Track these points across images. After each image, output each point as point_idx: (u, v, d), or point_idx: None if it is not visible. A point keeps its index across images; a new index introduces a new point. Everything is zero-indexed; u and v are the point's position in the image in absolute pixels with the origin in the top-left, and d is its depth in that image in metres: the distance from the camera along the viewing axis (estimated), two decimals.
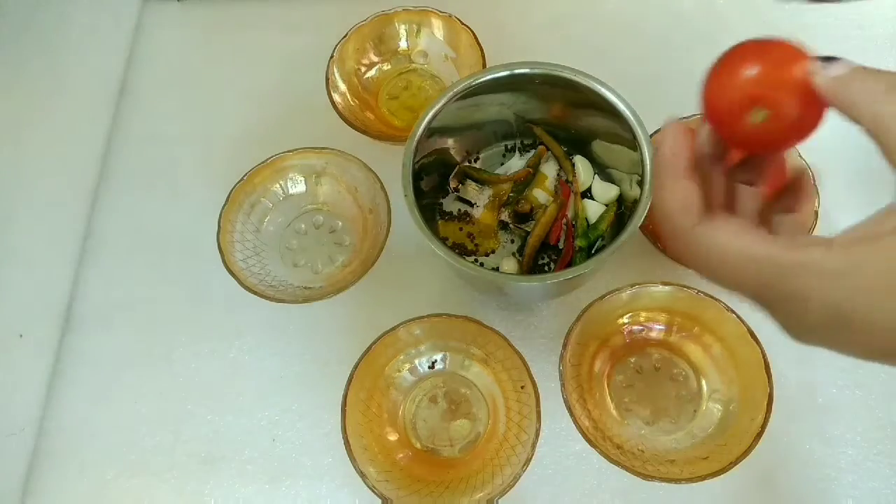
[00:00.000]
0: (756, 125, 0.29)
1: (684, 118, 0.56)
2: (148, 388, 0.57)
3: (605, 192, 0.57)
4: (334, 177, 0.60)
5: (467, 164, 0.60)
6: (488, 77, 0.51)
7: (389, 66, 0.66)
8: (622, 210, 0.56)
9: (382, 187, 0.55)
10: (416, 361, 0.54)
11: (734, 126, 0.30)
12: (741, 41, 0.30)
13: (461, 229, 0.58)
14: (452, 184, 0.59)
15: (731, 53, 0.30)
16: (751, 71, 0.29)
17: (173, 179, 0.65)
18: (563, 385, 0.48)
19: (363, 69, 0.64)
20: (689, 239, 0.30)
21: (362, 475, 0.47)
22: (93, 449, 0.56)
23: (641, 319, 0.54)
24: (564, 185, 0.57)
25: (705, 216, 0.30)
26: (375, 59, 0.65)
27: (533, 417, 0.48)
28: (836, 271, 0.26)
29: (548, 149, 0.58)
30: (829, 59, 0.28)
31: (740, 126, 0.30)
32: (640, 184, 0.49)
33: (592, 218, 0.56)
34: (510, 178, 0.58)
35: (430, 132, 0.51)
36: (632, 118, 0.49)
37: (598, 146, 0.57)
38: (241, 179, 0.57)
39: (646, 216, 0.47)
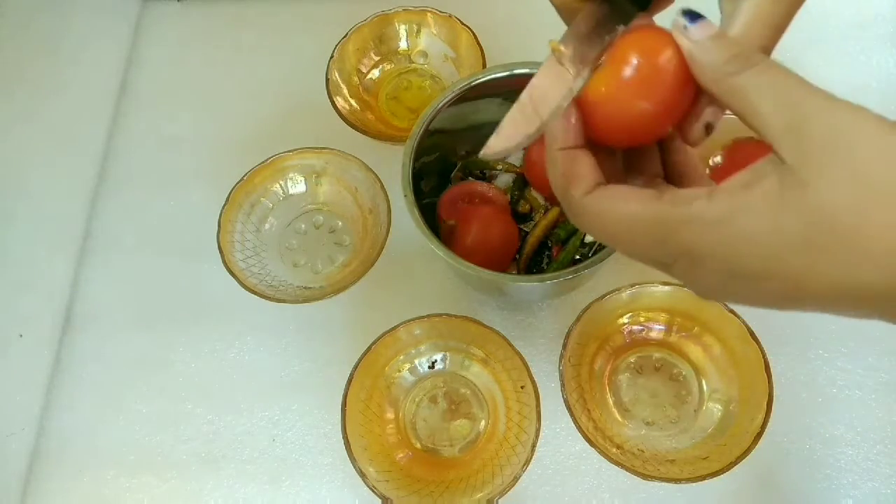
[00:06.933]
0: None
1: None
2: (148, 388, 0.57)
3: None
4: (334, 177, 0.60)
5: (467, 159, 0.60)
6: (488, 77, 0.51)
7: (389, 66, 0.66)
8: None
9: (382, 187, 0.55)
10: (416, 361, 0.54)
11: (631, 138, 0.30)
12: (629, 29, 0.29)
13: None
14: (454, 182, 0.59)
15: (614, 52, 0.28)
16: (635, 75, 0.27)
17: (173, 179, 0.65)
18: (563, 385, 0.48)
19: (363, 69, 0.64)
20: (578, 210, 0.28)
21: (362, 475, 0.47)
22: (93, 449, 0.56)
23: (641, 319, 0.54)
24: None
25: (595, 186, 0.28)
26: (376, 59, 0.65)
27: (533, 417, 0.48)
28: (717, 220, 0.25)
29: None
30: (693, 17, 0.26)
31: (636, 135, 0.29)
32: None
33: None
34: (512, 166, 0.58)
35: (430, 132, 0.51)
36: None
37: None
38: (241, 179, 0.57)
39: None
